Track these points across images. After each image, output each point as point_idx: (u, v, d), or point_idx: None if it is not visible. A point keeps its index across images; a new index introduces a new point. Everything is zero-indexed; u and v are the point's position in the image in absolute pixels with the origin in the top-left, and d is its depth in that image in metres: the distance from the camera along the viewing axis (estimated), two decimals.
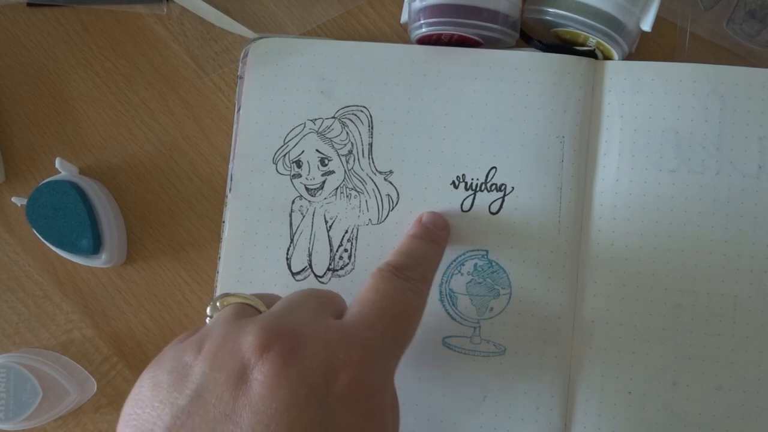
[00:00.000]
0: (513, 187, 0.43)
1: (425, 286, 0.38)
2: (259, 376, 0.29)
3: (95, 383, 0.46)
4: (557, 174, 0.43)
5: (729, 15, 0.45)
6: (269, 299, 0.36)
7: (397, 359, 0.34)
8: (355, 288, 0.41)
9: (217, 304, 0.35)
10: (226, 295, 0.35)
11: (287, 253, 0.44)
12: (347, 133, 0.45)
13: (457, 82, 0.44)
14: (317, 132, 0.45)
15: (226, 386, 0.28)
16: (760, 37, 0.45)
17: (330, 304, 0.35)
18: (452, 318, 0.43)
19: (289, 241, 0.44)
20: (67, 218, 0.44)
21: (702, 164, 0.43)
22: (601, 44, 0.43)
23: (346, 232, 0.44)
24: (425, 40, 0.45)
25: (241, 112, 0.46)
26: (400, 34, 0.47)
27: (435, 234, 0.42)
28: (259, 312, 0.34)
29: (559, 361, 0.42)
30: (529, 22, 0.45)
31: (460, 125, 0.44)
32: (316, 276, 0.44)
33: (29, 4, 0.48)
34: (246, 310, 0.34)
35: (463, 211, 0.44)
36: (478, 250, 0.43)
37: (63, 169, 0.45)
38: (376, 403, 0.31)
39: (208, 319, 0.35)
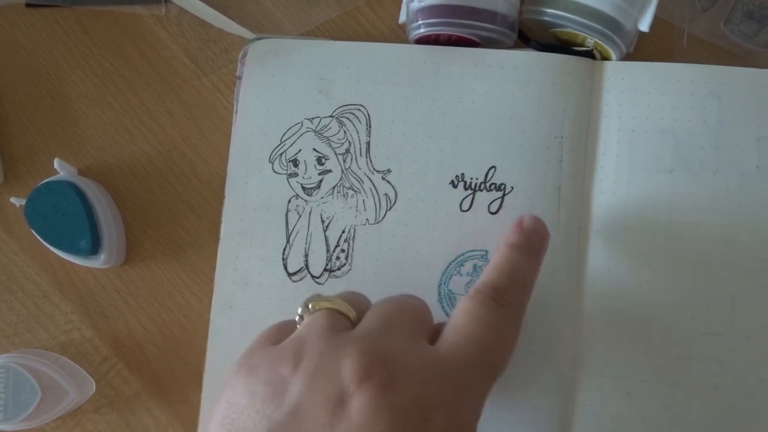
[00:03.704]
0: (512, 187, 0.43)
1: (522, 311, 0.37)
2: (358, 404, 0.29)
3: (94, 384, 0.45)
4: (556, 174, 0.43)
5: (726, 16, 0.45)
6: (359, 303, 0.36)
7: (490, 388, 0.34)
8: (352, 289, 0.41)
9: (309, 306, 0.34)
10: (319, 297, 0.35)
11: (283, 254, 0.44)
12: (345, 131, 0.45)
13: (456, 82, 0.44)
14: (314, 131, 0.45)
15: (324, 410, 0.29)
16: (758, 37, 0.45)
17: (423, 325, 0.35)
18: None
19: (285, 241, 0.44)
20: (66, 219, 0.44)
21: (700, 164, 0.43)
22: (599, 45, 0.43)
23: (343, 232, 0.44)
24: (423, 41, 0.45)
25: (238, 112, 0.46)
26: (398, 35, 0.47)
27: (537, 245, 0.39)
28: (351, 322, 0.34)
29: (559, 361, 0.42)
30: (527, 22, 0.45)
31: (458, 125, 0.44)
32: (313, 277, 0.44)
33: (28, 5, 0.48)
34: (339, 320, 0.34)
35: (462, 210, 0.44)
36: (477, 250, 0.43)
37: (62, 170, 0.45)
38: None
39: (297, 318, 0.35)
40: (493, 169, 0.44)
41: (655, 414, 0.42)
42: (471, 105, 0.44)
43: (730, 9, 0.45)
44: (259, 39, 0.46)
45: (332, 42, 0.46)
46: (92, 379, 0.46)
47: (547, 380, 0.42)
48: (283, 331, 0.35)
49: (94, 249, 0.44)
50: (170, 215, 0.47)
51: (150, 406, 0.46)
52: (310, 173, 0.45)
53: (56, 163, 0.45)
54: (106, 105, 0.48)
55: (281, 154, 0.45)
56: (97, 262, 0.45)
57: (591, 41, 0.43)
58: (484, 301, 0.35)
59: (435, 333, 0.35)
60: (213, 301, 0.45)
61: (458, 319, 0.35)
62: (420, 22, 0.43)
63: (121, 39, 0.48)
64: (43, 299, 0.47)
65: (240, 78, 0.46)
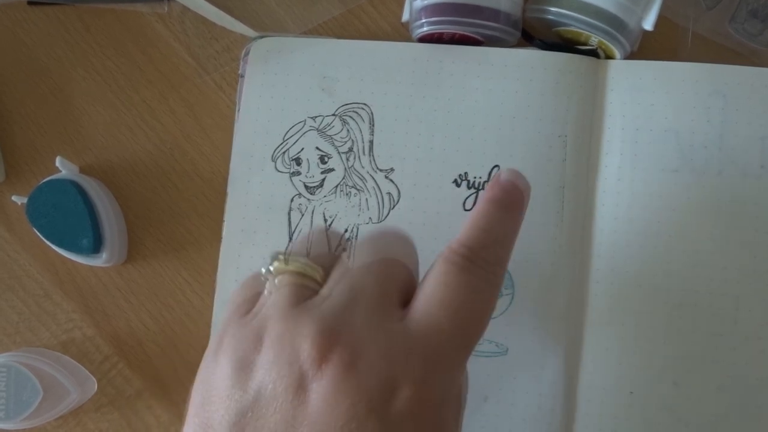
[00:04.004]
0: None
1: (501, 270, 0.32)
2: (318, 388, 0.28)
3: (96, 382, 0.45)
4: (559, 173, 0.43)
5: (731, 14, 0.45)
6: (325, 260, 0.33)
7: (466, 359, 0.31)
8: None
9: (271, 267, 0.32)
10: (282, 259, 0.32)
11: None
12: (348, 130, 0.45)
13: (459, 81, 0.44)
14: (317, 129, 0.45)
15: (285, 395, 0.28)
16: (762, 36, 0.44)
17: (396, 289, 0.32)
18: None
19: (288, 239, 0.44)
20: (68, 217, 0.44)
21: (704, 164, 0.43)
22: (603, 43, 0.43)
23: (346, 230, 0.44)
24: (426, 39, 0.45)
25: (241, 110, 0.46)
26: (401, 33, 0.47)
27: (517, 199, 0.34)
28: (318, 283, 0.32)
29: (561, 360, 0.42)
30: (531, 21, 0.45)
31: (461, 123, 0.44)
32: None
33: (30, 3, 0.48)
34: (303, 288, 0.31)
35: (465, 209, 0.44)
36: None
37: (63, 168, 0.45)
38: (438, 415, 0.30)
39: (262, 276, 0.33)
40: (496, 168, 0.44)
41: (656, 414, 0.41)
42: (474, 104, 0.44)
43: (734, 8, 0.45)
44: (261, 37, 0.46)
45: (335, 40, 0.46)
46: (94, 378, 0.46)
47: (548, 380, 0.42)
48: (250, 294, 0.33)
49: (95, 247, 0.44)
50: (172, 213, 0.47)
51: (152, 405, 0.46)
52: (312, 172, 0.45)
53: (58, 162, 0.45)
54: (108, 103, 0.48)
55: (284, 153, 0.45)
56: (99, 261, 0.45)
57: (595, 40, 0.43)
58: (458, 262, 0.31)
59: (409, 291, 0.32)
60: (215, 300, 0.45)
61: (430, 283, 0.31)
62: (423, 20, 0.43)
63: (123, 37, 0.48)
64: (45, 298, 0.47)
65: (242, 76, 0.46)
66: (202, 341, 0.45)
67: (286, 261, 0.32)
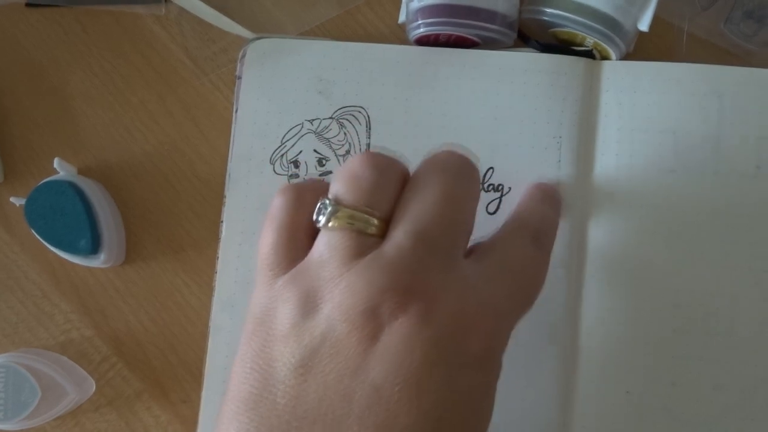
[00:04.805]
0: (510, 188, 0.43)
1: (549, 257, 0.37)
2: (391, 338, 0.29)
3: (94, 383, 0.46)
4: (554, 175, 0.43)
5: (726, 15, 0.45)
6: (382, 205, 0.32)
7: (518, 321, 0.34)
8: None
9: (330, 222, 0.31)
10: (338, 206, 0.31)
11: None
12: (345, 133, 0.45)
13: (455, 83, 0.44)
14: (315, 132, 0.45)
15: (356, 344, 0.29)
16: (758, 37, 0.45)
17: (464, 233, 0.33)
18: None
19: None
20: (66, 218, 0.44)
21: (700, 164, 0.43)
22: (598, 44, 0.43)
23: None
24: (423, 41, 0.45)
25: (238, 112, 0.46)
26: (398, 35, 0.47)
27: (558, 205, 0.41)
28: (373, 236, 0.31)
29: (559, 360, 0.42)
30: (527, 22, 0.45)
31: (457, 126, 0.44)
32: None
33: (28, 5, 0.48)
34: (362, 241, 0.31)
35: None
36: None
37: (61, 169, 0.45)
38: (496, 367, 0.32)
39: (315, 216, 0.32)
40: (491, 170, 0.44)
41: (654, 414, 0.42)
42: (469, 106, 0.44)
43: (730, 8, 0.45)
44: (258, 39, 0.46)
45: (331, 42, 0.46)
46: (92, 379, 0.46)
47: (545, 379, 0.42)
48: (298, 234, 0.33)
49: (94, 249, 0.44)
50: (170, 214, 0.47)
51: (150, 406, 0.46)
52: (310, 174, 0.45)
53: (56, 163, 0.45)
54: (106, 104, 0.48)
55: (282, 156, 0.45)
56: (97, 262, 0.45)
57: (590, 41, 0.43)
58: (528, 237, 0.36)
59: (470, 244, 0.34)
60: (214, 300, 0.45)
61: (504, 248, 0.35)
62: (419, 22, 0.43)
63: (121, 39, 0.48)
64: (43, 299, 0.47)
65: (239, 78, 0.46)
66: (201, 342, 0.45)
67: (343, 214, 0.31)
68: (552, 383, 0.42)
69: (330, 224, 0.31)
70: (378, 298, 0.29)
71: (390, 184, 0.33)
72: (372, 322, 0.29)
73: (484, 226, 0.43)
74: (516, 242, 0.36)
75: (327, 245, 0.31)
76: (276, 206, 0.33)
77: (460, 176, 0.34)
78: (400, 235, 0.31)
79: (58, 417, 0.45)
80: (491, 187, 0.43)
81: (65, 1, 0.48)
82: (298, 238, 0.33)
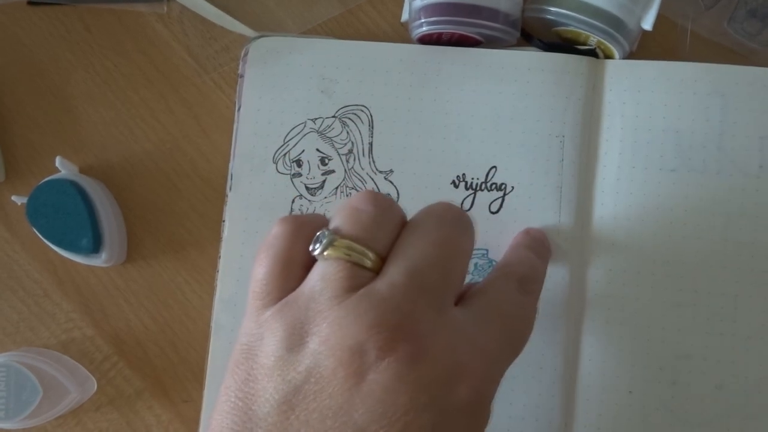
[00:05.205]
0: (513, 187, 0.43)
1: (537, 303, 0.37)
2: (378, 378, 0.28)
3: (95, 382, 0.46)
4: (557, 173, 0.43)
5: (730, 14, 0.45)
6: (386, 229, 0.32)
7: (504, 372, 0.33)
8: None
9: (325, 253, 0.31)
10: (336, 236, 0.31)
11: None
12: (347, 132, 0.45)
13: (458, 82, 0.44)
14: (317, 131, 0.45)
15: (342, 381, 0.28)
16: (761, 36, 0.44)
17: (456, 279, 0.32)
18: None
19: None
20: (67, 217, 0.44)
21: (703, 163, 0.43)
22: (602, 43, 0.43)
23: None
24: (426, 39, 0.45)
25: (241, 111, 0.46)
26: (400, 33, 0.47)
27: (546, 252, 0.42)
28: (368, 270, 0.31)
29: (560, 360, 0.42)
30: (530, 20, 0.45)
31: (460, 124, 0.44)
32: None
33: (30, 3, 0.48)
34: (357, 274, 0.30)
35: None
36: (478, 249, 0.43)
37: (63, 168, 0.45)
38: (486, 415, 0.31)
39: (312, 245, 0.32)
40: (493, 169, 0.44)
41: (655, 413, 0.42)
42: (472, 105, 0.44)
43: (733, 7, 0.45)
44: (260, 37, 0.46)
45: (334, 41, 0.46)
46: (93, 378, 0.46)
47: (547, 379, 0.42)
48: (293, 265, 0.32)
49: (95, 247, 0.44)
50: (172, 213, 0.47)
51: (152, 405, 0.46)
52: (313, 173, 0.45)
53: (58, 162, 0.45)
54: (107, 103, 0.48)
55: (285, 155, 0.45)
56: (99, 261, 0.45)
57: (594, 40, 0.43)
58: (515, 284, 0.35)
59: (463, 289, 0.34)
60: (215, 299, 0.44)
61: (492, 293, 0.34)
62: (422, 20, 0.43)
63: (123, 37, 0.48)
64: (45, 297, 0.47)
65: (242, 76, 0.46)
66: (202, 341, 0.45)
67: (339, 246, 0.31)
68: (553, 384, 0.42)
69: (326, 253, 0.31)
70: (366, 334, 0.28)
71: (389, 224, 0.32)
72: (359, 359, 0.28)
73: (487, 226, 0.43)
74: (503, 288, 0.35)
75: (321, 276, 0.31)
76: (273, 235, 0.33)
77: (457, 227, 0.33)
78: (394, 273, 0.30)
79: (59, 416, 0.45)
80: (494, 186, 0.43)
81: (67, 0, 0.48)
82: (293, 270, 0.32)
